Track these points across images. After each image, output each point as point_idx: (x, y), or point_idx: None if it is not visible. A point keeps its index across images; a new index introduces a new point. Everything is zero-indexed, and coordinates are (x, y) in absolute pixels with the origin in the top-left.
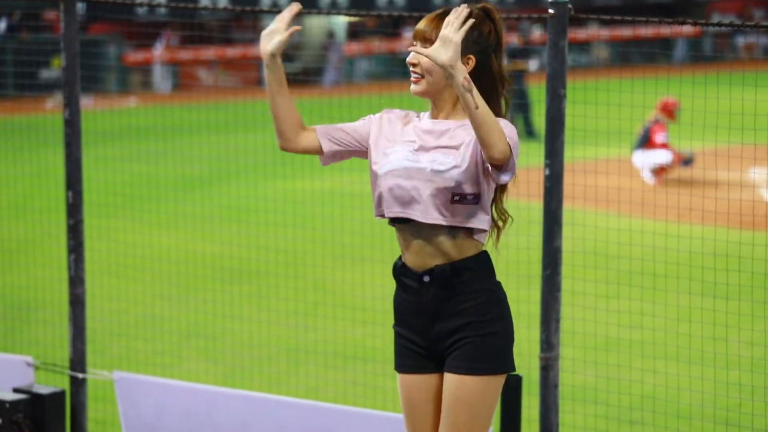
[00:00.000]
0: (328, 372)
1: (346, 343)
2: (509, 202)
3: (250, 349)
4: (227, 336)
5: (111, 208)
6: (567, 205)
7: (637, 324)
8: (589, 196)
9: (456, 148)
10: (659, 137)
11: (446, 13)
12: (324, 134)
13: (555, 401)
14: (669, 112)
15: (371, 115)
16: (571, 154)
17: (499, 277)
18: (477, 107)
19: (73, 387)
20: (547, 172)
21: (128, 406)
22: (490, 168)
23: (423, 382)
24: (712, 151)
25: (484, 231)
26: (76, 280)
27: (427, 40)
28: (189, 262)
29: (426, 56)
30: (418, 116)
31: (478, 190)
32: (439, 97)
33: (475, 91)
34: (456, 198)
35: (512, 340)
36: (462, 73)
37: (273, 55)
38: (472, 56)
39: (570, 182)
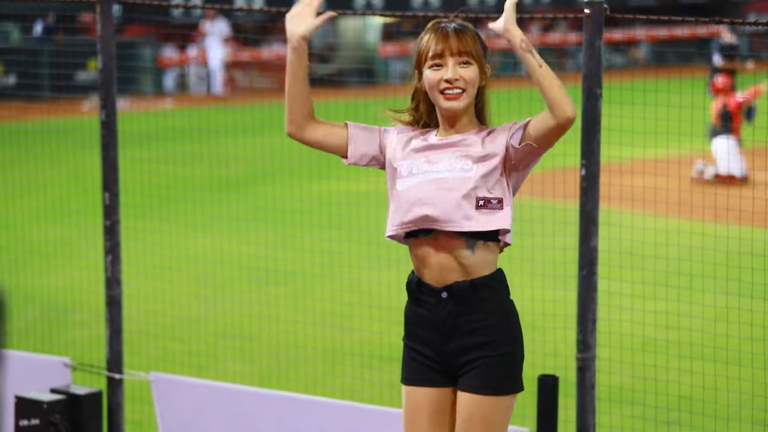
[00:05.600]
0: (364, 373)
1: (382, 344)
2: (544, 202)
3: (287, 350)
4: (263, 337)
5: (147, 209)
6: (603, 206)
7: (674, 324)
8: (625, 196)
9: (472, 154)
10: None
11: (447, 26)
12: (354, 134)
13: (591, 402)
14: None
15: (384, 127)
16: (607, 154)
17: (535, 278)
18: (541, 65)
19: (109, 388)
20: (583, 172)
21: (165, 406)
22: (536, 144)
23: (431, 395)
24: (750, 150)
25: (506, 243)
26: (113, 282)
27: (464, 53)
28: (225, 264)
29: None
30: (423, 133)
31: (501, 194)
32: (464, 113)
33: (534, 50)
34: (481, 203)
35: (523, 360)
36: (520, 34)
37: (303, 38)
38: (488, 65)
39: (606, 182)
